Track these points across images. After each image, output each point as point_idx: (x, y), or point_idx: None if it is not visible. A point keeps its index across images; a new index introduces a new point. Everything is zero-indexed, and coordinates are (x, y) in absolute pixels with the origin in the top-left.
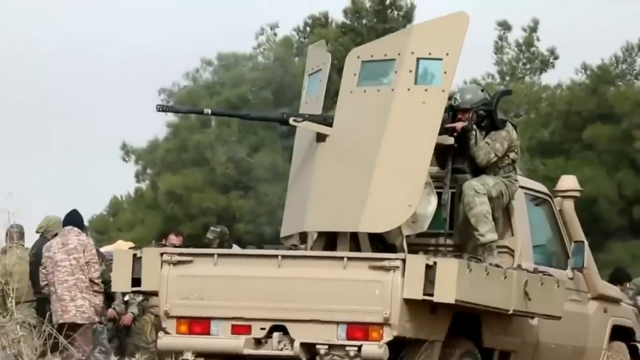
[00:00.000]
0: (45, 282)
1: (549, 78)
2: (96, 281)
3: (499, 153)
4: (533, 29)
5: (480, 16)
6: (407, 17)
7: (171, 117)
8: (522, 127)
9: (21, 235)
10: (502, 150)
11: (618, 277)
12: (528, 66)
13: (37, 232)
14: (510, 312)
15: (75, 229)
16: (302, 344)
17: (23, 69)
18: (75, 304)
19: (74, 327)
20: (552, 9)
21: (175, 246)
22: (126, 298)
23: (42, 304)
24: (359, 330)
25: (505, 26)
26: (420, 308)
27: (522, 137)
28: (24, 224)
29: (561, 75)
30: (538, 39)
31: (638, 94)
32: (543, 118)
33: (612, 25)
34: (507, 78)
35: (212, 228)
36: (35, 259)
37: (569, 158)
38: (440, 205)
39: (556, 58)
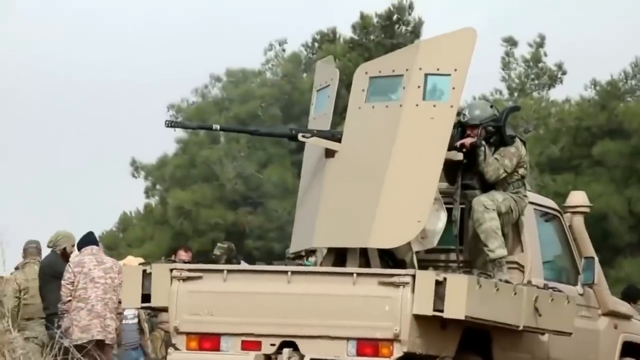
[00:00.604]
0: (69, 298)
1: (557, 93)
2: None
3: (508, 169)
4: (540, 44)
5: (486, 32)
6: (415, 33)
7: (180, 133)
8: (531, 142)
9: (38, 251)
10: (511, 166)
11: (630, 295)
12: (536, 82)
13: (48, 246)
14: (521, 328)
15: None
16: None
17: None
18: (106, 323)
19: (102, 345)
20: (558, 24)
21: (184, 262)
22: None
23: (51, 320)
24: (369, 346)
25: (511, 42)
26: (430, 324)
27: (532, 153)
28: (37, 240)
29: (569, 90)
30: (545, 54)
31: None
32: (552, 134)
33: (620, 41)
34: (516, 94)
35: (219, 244)
36: (46, 273)
37: (579, 174)
38: (450, 221)
39: (564, 73)
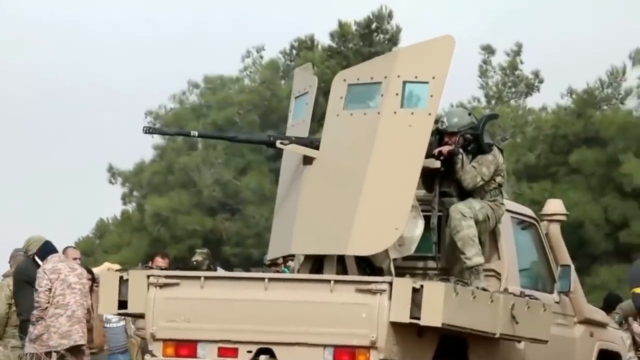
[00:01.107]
0: (47, 305)
1: (534, 101)
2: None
3: (485, 177)
4: (517, 52)
5: (464, 40)
6: (393, 41)
7: (158, 139)
8: (508, 150)
9: None
10: (489, 174)
11: (611, 303)
12: (513, 90)
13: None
14: (497, 335)
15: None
16: None
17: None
18: (85, 328)
19: (76, 350)
20: (535, 33)
21: (161, 269)
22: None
23: (24, 327)
24: (346, 353)
25: (489, 50)
26: (407, 331)
27: (509, 161)
28: (12, 246)
29: (546, 98)
30: (522, 62)
31: (623, 118)
32: (529, 142)
33: (596, 49)
34: (493, 101)
35: (198, 250)
36: (19, 279)
37: (555, 182)
38: (428, 228)
39: (541, 81)
